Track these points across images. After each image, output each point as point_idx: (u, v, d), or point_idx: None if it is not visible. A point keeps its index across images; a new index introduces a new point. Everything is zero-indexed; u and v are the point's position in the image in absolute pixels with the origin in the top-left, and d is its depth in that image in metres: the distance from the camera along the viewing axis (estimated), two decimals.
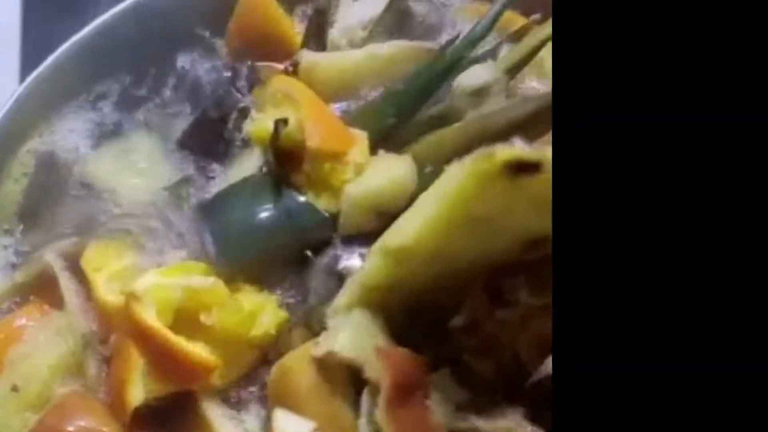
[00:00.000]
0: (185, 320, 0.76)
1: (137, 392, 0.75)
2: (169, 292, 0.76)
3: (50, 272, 0.84)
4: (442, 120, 0.85)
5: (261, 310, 0.77)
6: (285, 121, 0.78)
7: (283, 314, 0.78)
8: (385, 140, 0.84)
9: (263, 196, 0.81)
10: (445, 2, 0.97)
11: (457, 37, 0.89)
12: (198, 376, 0.75)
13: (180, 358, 0.74)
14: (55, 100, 0.93)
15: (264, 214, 0.80)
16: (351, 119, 0.86)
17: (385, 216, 0.77)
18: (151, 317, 0.74)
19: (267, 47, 0.93)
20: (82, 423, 0.75)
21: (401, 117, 0.85)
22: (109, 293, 0.80)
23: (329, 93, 0.87)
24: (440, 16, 0.96)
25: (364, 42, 0.93)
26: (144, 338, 0.74)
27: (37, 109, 0.92)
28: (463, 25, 0.93)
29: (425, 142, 0.84)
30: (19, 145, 0.92)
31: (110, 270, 0.82)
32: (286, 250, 0.80)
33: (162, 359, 0.74)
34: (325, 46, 0.93)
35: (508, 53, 0.90)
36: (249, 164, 0.85)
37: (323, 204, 0.80)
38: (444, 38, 0.93)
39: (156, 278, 0.77)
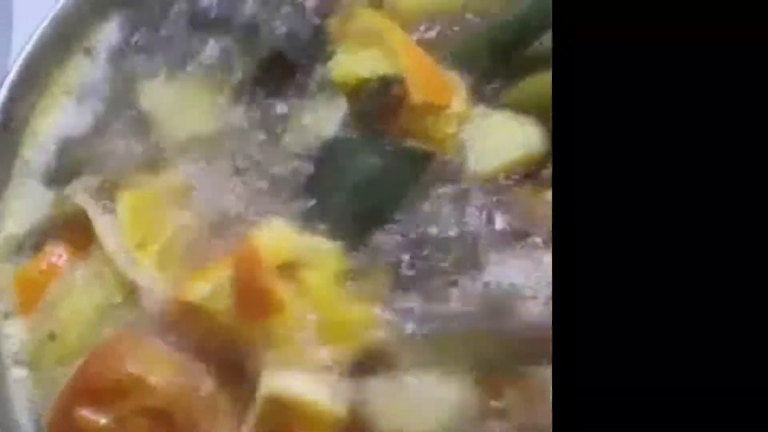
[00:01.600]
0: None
1: None
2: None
3: (82, 212, 0.77)
4: (535, 65, 0.79)
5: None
6: (397, 80, 0.74)
7: None
8: (479, 83, 0.79)
9: (364, 154, 0.76)
10: None
11: None
12: None
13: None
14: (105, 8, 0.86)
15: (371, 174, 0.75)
16: (442, 59, 0.80)
17: None
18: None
19: None
20: (133, 370, 0.69)
21: (499, 61, 0.80)
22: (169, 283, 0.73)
23: (417, 26, 0.81)
24: None
25: None
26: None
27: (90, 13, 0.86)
28: None
29: (529, 88, 0.78)
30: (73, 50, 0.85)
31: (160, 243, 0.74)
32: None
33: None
34: None
35: None
36: (331, 112, 0.78)
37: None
38: None
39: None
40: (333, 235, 0.72)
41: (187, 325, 0.71)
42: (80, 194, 0.78)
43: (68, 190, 0.79)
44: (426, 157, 0.75)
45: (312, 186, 0.75)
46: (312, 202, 0.74)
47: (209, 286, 0.70)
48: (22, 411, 0.74)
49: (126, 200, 0.77)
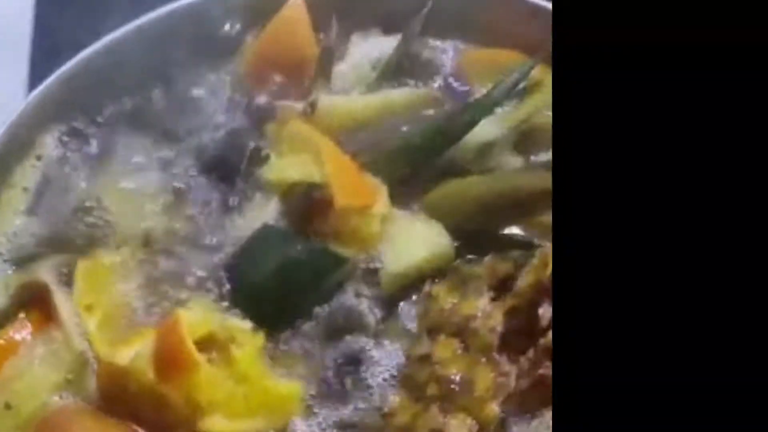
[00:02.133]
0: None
1: None
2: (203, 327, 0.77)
3: (44, 287, 0.82)
4: (447, 172, 0.88)
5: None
6: (321, 186, 0.81)
7: None
8: (396, 189, 0.87)
9: (286, 247, 0.82)
10: (445, 47, 0.99)
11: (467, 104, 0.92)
12: None
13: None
14: (61, 113, 0.92)
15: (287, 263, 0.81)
16: (365, 166, 0.88)
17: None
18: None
19: (288, 70, 0.92)
20: None
21: (415, 168, 0.88)
22: (105, 346, 0.79)
23: (343, 135, 0.89)
24: (441, 59, 0.99)
25: (372, 81, 0.95)
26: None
27: (42, 122, 0.90)
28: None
29: (442, 194, 0.87)
30: (24, 156, 0.90)
31: (103, 308, 0.81)
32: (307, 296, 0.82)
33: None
34: (329, 83, 0.95)
35: (513, 110, 0.93)
36: (265, 211, 0.85)
37: (351, 253, 0.82)
38: (441, 80, 0.97)
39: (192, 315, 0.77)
40: (253, 316, 0.80)
41: (120, 390, 0.76)
42: (44, 271, 0.83)
43: (33, 268, 0.84)
44: (343, 261, 0.82)
45: (237, 269, 0.82)
46: (234, 285, 0.82)
47: (133, 351, 0.76)
48: None
49: (81, 269, 0.82)
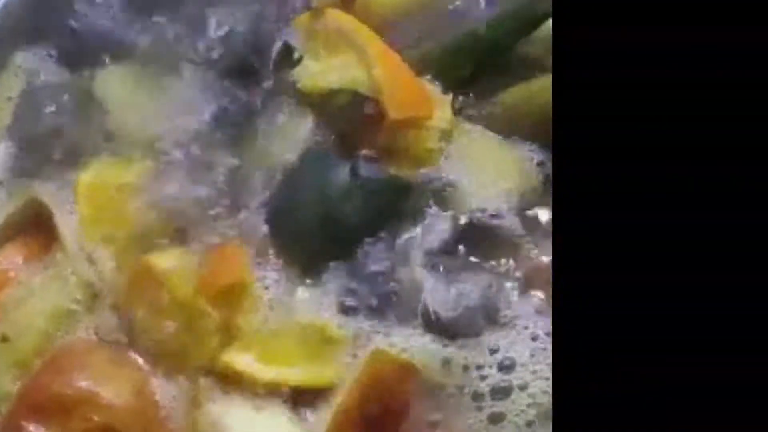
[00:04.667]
0: None
1: None
2: None
3: (43, 208, 0.75)
4: (518, 72, 0.77)
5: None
6: (371, 97, 0.70)
7: None
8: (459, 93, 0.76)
9: (329, 175, 0.71)
10: None
11: None
12: None
13: None
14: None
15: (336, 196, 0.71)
16: (418, 66, 0.75)
17: None
18: None
19: None
20: (82, 384, 0.67)
21: (478, 67, 0.76)
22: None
23: (389, 26, 0.77)
24: None
25: None
26: None
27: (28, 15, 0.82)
28: None
29: (513, 100, 0.76)
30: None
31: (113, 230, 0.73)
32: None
33: None
34: None
35: None
36: (297, 129, 0.74)
37: (404, 175, 0.72)
38: None
39: None
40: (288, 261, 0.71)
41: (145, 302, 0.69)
42: (43, 189, 0.76)
43: (31, 188, 0.77)
44: (407, 189, 0.71)
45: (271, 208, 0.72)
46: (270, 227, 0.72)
47: (174, 261, 0.70)
48: None
49: (84, 184, 0.75)
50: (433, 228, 0.71)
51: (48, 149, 0.77)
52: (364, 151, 0.72)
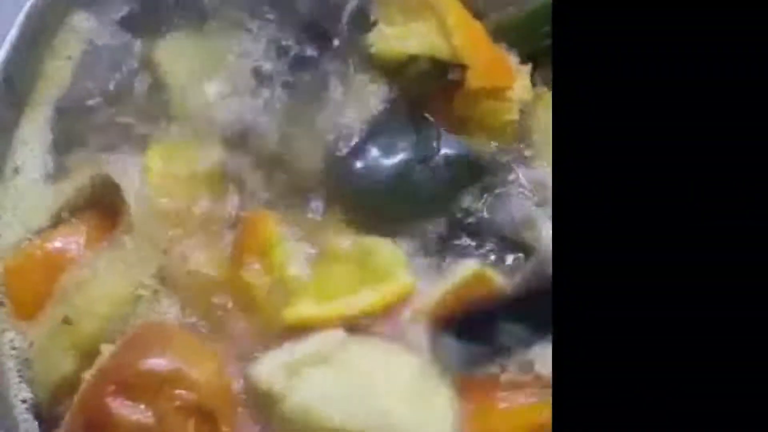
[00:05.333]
0: None
1: None
2: None
3: (110, 183, 0.72)
4: None
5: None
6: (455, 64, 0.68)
7: None
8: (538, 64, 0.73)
9: (403, 144, 0.70)
10: None
11: None
12: None
13: None
14: None
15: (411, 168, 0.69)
16: (497, 33, 0.73)
17: None
18: None
19: None
20: (171, 363, 0.66)
21: None
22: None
23: None
24: None
25: None
26: None
27: None
28: None
29: None
30: (62, 21, 0.78)
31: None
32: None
33: None
34: None
35: None
36: (370, 97, 0.72)
37: (480, 147, 0.71)
38: None
39: None
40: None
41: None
42: (108, 162, 0.73)
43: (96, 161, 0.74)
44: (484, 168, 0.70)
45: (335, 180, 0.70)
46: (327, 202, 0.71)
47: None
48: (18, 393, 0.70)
49: (155, 155, 0.73)
50: None
51: (109, 116, 0.75)
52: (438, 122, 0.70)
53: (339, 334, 0.65)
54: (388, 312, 0.66)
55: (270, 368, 0.65)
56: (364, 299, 0.66)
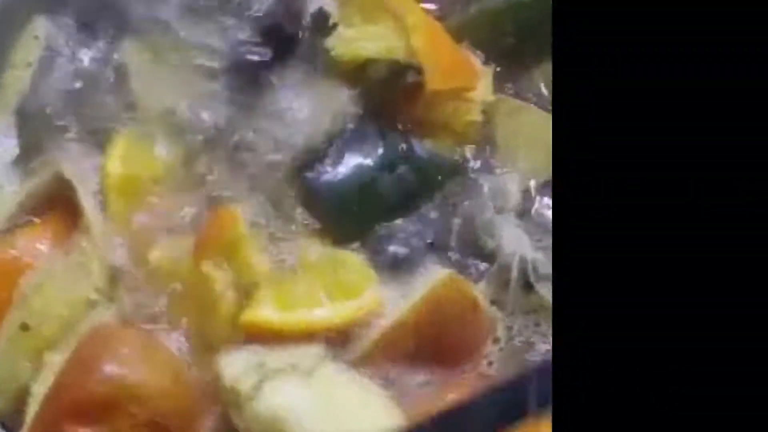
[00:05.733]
0: None
1: None
2: None
3: (66, 185, 0.72)
4: None
5: None
6: (412, 66, 0.67)
7: None
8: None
9: (367, 149, 0.69)
10: None
11: None
12: None
13: None
14: None
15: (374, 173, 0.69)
16: (458, 34, 0.73)
17: None
18: None
19: None
20: (121, 378, 0.64)
21: (521, 36, 0.74)
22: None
23: None
24: None
25: None
26: None
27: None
28: None
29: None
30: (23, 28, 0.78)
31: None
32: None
33: None
34: None
35: None
36: (332, 100, 0.71)
37: (443, 153, 0.70)
38: None
39: None
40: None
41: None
42: (65, 164, 0.72)
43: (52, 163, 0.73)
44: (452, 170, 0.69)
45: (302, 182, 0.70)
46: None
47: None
48: None
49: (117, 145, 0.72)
50: None
51: (69, 119, 0.74)
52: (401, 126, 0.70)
53: (319, 350, 0.64)
54: (353, 327, 0.65)
55: (240, 368, 0.63)
56: (329, 312, 0.65)
